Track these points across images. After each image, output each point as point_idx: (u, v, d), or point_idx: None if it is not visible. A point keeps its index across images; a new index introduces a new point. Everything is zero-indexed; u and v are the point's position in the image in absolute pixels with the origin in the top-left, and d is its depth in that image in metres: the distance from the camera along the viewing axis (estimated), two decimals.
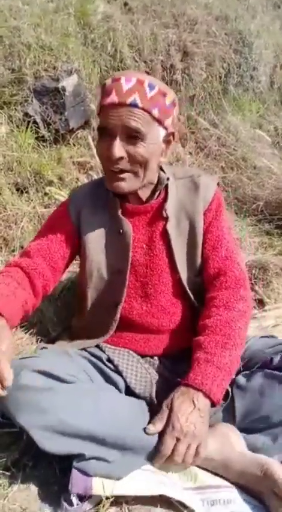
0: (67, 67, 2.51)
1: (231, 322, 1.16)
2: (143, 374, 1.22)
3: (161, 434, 1.06)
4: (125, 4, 3.22)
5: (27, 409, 1.00)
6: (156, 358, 1.27)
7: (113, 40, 2.87)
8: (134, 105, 1.10)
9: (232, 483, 1.08)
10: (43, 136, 2.48)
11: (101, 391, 1.14)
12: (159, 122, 1.14)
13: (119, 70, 2.90)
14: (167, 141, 1.19)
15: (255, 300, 1.92)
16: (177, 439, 1.04)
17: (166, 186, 1.26)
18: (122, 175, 1.16)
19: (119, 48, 2.88)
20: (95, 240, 1.27)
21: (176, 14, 3.26)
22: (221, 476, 1.10)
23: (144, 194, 1.25)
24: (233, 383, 1.18)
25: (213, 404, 1.08)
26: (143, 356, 1.27)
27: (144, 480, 1.04)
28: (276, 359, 1.17)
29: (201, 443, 1.05)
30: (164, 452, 1.04)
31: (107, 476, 1.03)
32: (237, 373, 1.19)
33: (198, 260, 1.26)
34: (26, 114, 2.43)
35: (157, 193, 1.26)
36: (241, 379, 1.19)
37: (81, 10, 2.86)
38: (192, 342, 1.20)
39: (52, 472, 1.11)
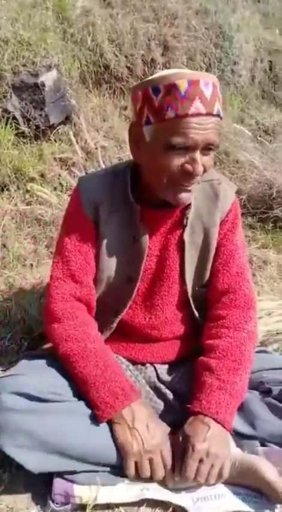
0: (46, 62, 2.48)
1: (241, 346, 1.12)
2: (131, 381, 1.17)
3: (179, 458, 1.03)
4: None
5: (10, 432, 0.98)
6: (147, 365, 1.24)
7: (92, 34, 2.85)
8: (219, 115, 0.98)
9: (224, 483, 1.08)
10: (23, 133, 2.45)
11: (80, 412, 1.07)
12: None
13: (99, 65, 2.89)
14: None
15: None
16: (200, 460, 1.00)
17: None
18: (190, 188, 1.04)
19: (99, 43, 2.87)
20: (110, 244, 1.16)
21: (156, 8, 3.24)
22: None
23: None
24: None
25: None
26: (134, 363, 1.24)
27: (126, 489, 1.04)
28: (276, 391, 1.16)
29: (224, 463, 1.02)
30: (189, 475, 1.00)
31: (89, 484, 1.02)
32: None
33: (207, 272, 1.21)
34: (5, 110, 2.39)
35: None
36: None
37: (60, 4, 2.83)
38: (185, 352, 1.19)
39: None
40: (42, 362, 1.16)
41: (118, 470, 1.04)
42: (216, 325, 1.17)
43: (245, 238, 2.39)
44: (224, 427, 1.04)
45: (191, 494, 1.05)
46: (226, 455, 1.02)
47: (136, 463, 1.03)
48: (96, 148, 2.60)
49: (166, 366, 1.24)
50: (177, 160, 0.99)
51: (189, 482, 1.02)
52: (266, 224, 2.52)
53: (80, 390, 1.09)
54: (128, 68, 3.00)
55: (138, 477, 1.04)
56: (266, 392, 1.17)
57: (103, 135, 2.75)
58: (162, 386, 1.19)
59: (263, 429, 1.12)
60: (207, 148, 0.99)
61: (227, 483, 1.07)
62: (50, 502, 1.01)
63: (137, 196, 1.13)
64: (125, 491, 1.04)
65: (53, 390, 1.05)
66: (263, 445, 1.12)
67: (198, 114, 0.94)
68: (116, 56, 2.94)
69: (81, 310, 1.17)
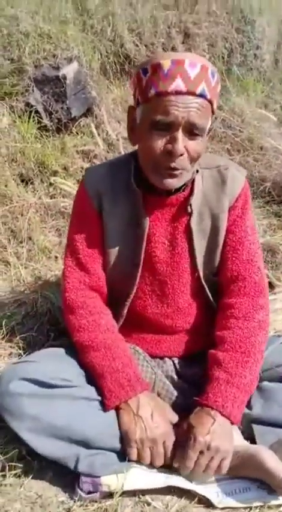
0: (67, 54, 2.49)
1: (251, 337, 1.11)
2: (148, 373, 1.20)
3: (181, 447, 1.04)
4: None
5: (18, 416, 1.02)
6: (166, 359, 1.24)
7: (112, 25, 2.83)
8: (203, 96, 0.98)
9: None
10: (45, 126, 2.47)
11: (88, 398, 1.09)
12: (213, 113, 1.05)
13: (119, 55, 2.87)
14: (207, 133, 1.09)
15: None
16: (201, 452, 1.01)
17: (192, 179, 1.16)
18: (175, 172, 1.04)
19: (118, 33, 2.85)
20: (115, 231, 1.18)
21: None
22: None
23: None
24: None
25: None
26: (151, 356, 1.24)
27: (153, 476, 1.05)
28: None
29: (225, 457, 1.02)
30: (187, 465, 1.02)
31: (114, 473, 1.03)
32: (260, 380, 1.17)
33: (217, 259, 1.20)
34: (28, 104, 2.41)
35: (184, 185, 1.14)
36: (265, 384, 1.17)
37: None
38: (206, 345, 1.18)
39: None
40: (56, 350, 1.21)
41: (121, 456, 1.06)
42: (225, 316, 1.17)
43: (270, 226, 2.35)
44: (231, 421, 1.04)
45: (216, 487, 1.05)
46: (228, 449, 1.02)
47: (138, 451, 1.04)
48: (117, 140, 2.60)
49: (183, 360, 1.24)
50: (160, 141, 1.00)
51: (198, 474, 1.03)
52: None
53: (91, 378, 1.12)
54: (149, 57, 2.97)
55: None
56: None
57: (124, 126, 2.72)
58: (180, 381, 1.19)
59: (280, 415, 1.12)
60: (192, 132, 0.99)
61: (229, 476, 1.06)
62: (78, 490, 1.03)
63: (140, 183, 1.14)
64: (150, 478, 1.05)
65: (63, 377, 1.08)
66: None
67: (178, 92, 0.96)
68: (137, 45, 2.91)
69: (93, 298, 1.21)
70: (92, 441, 1.05)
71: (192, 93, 0.96)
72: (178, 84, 0.95)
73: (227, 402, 1.04)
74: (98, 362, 1.11)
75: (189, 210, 1.15)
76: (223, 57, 3.24)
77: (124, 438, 1.05)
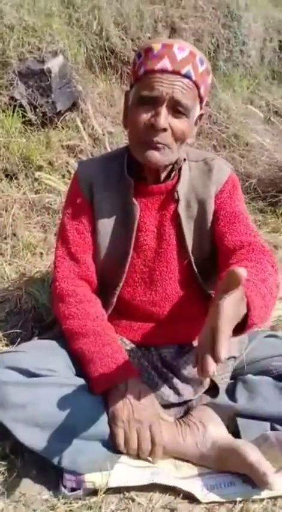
0: (52, 48, 2.46)
1: (266, 272, 0.98)
2: (134, 364, 1.18)
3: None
4: None
5: (3, 404, 1.02)
6: (152, 348, 1.24)
7: (98, 18, 2.81)
8: (188, 76, 1.02)
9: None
10: (30, 120, 2.44)
11: (74, 385, 1.10)
12: (201, 100, 1.09)
13: (105, 49, 2.85)
14: (196, 122, 1.13)
15: None
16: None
17: (180, 168, 1.19)
18: (158, 145, 1.06)
19: (104, 27, 2.83)
20: (106, 220, 1.21)
21: None
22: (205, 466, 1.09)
23: (164, 173, 1.17)
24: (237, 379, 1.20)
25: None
26: (138, 345, 1.25)
27: (138, 473, 1.05)
28: None
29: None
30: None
31: (99, 470, 1.03)
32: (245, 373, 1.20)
33: (207, 243, 1.20)
34: (12, 98, 2.38)
35: (172, 174, 1.18)
36: (249, 377, 1.19)
37: None
38: (195, 336, 1.18)
39: None
40: (44, 341, 1.23)
41: (107, 444, 1.06)
42: (236, 262, 1.04)
43: (255, 222, 2.36)
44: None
45: (200, 481, 1.05)
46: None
47: (125, 433, 1.05)
48: (103, 135, 2.58)
49: (172, 350, 1.23)
50: (145, 115, 1.05)
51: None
52: (277, 208, 2.49)
53: (79, 365, 1.13)
54: (135, 51, 2.95)
55: (128, 450, 1.06)
56: (279, 378, 1.17)
57: (110, 121, 2.73)
58: (165, 371, 1.19)
59: (265, 409, 1.12)
60: (176, 109, 1.03)
61: (213, 471, 1.07)
62: (62, 487, 1.02)
63: (132, 173, 1.18)
64: (135, 475, 1.04)
65: (49, 367, 1.08)
66: (273, 428, 1.12)
67: (164, 70, 1.01)
68: (122, 39, 2.90)
69: (82, 287, 1.22)
70: (79, 428, 1.04)
71: (178, 73, 1.01)
72: (164, 63, 1.01)
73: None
74: (87, 348, 1.12)
75: (176, 196, 1.17)
76: (209, 53, 3.24)
77: (111, 418, 1.06)
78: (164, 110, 1.02)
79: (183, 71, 1.01)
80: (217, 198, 1.18)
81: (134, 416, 1.04)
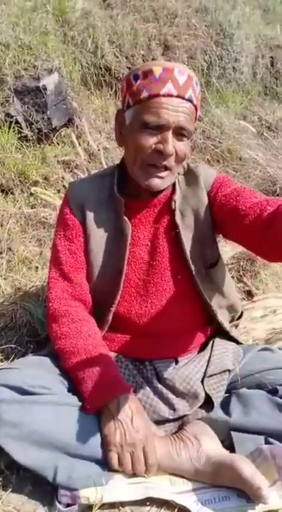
0: (47, 65, 2.49)
1: None
2: (129, 382, 1.19)
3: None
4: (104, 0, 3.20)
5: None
6: (146, 363, 1.24)
7: (93, 36, 2.85)
8: (191, 100, 1.06)
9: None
10: (26, 136, 2.46)
11: (68, 404, 1.10)
12: (195, 120, 1.14)
13: (100, 67, 2.90)
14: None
15: (244, 291, 1.93)
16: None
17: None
18: (162, 174, 1.11)
19: (99, 45, 2.87)
20: (98, 240, 1.21)
21: (155, 8, 3.25)
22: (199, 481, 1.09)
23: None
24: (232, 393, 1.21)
25: None
26: (133, 360, 1.25)
27: (132, 488, 1.05)
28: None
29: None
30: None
31: (93, 485, 1.03)
32: (239, 387, 1.20)
33: (210, 251, 1.23)
34: (8, 115, 2.40)
35: (166, 187, 1.19)
36: (244, 391, 1.19)
37: (60, 8, 2.84)
38: (191, 349, 1.22)
39: None
40: (38, 358, 1.22)
41: (102, 462, 1.06)
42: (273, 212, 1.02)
43: None
44: None
45: (195, 496, 1.05)
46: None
47: (119, 456, 1.04)
48: (98, 150, 2.61)
49: (168, 364, 1.24)
50: (150, 140, 1.06)
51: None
52: None
53: (73, 384, 1.13)
54: (129, 68, 3.00)
55: (122, 470, 1.05)
56: (273, 392, 1.17)
57: (105, 137, 2.76)
58: (160, 386, 1.19)
59: (259, 423, 1.13)
60: (180, 133, 1.07)
61: (208, 485, 1.07)
62: (57, 503, 1.02)
63: (122, 192, 1.20)
64: (130, 490, 1.04)
65: (43, 384, 1.08)
66: (267, 442, 1.12)
67: (169, 95, 1.03)
68: (117, 57, 2.94)
69: (75, 307, 1.22)
70: (74, 447, 1.04)
71: (182, 97, 1.04)
72: (169, 88, 1.03)
73: None
74: (78, 368, 1.12)
75: (173, 206, 1.19)
76: (203, 69, 3.29)
77: (104, 441, 1.05)
78: (170, 136, 1.05)
79: (187, 96, 1.05)
80: (210, 196, 1.20)
81: (126, 440, 1.04)
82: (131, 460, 1.04)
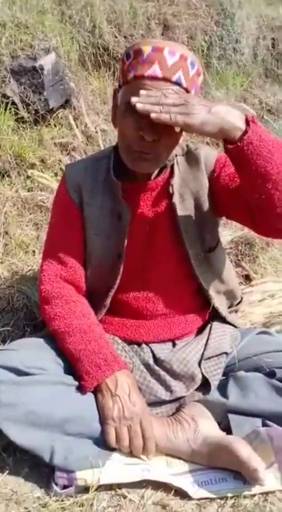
0: (44, 45, 2.44)
1: None
2: (125, 363, 1.18)
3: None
4: None
5: None
6: (143, 345, 1.23)
7: (91, 15, 2.80)
8: (179, 83, 0.99)
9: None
10: (23, 118, 2.42)
11: (64, 383, 1.11)
12: None
13: (98, 47, 2.84)
14: None
15: (242, 275, 1.93)
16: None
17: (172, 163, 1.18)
18: (147, 156, 1.05)
19: (97, 24, 2.82)
20: (96, 223, 1.20)
21: None
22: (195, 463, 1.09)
23: (155, 171, 1.16)
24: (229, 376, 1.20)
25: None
26: (130, 343, 1.24)
27: (129, 470, 1.05)
28: (280, 374, 1.15)
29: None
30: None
31: (90, 467, 1.03)
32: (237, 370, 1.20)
33: (208, 235, 1.21)
34: (4, 96, 2.36)
35: (164, 169, 1.17)
36: (241, 374, 1.19)
37: None
38: (190, 332, 1.20)
39: None
40: (35, 340, 1.22)
41: (99, 441, 1.06)
42: None
43: None
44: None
45: (192, 477, 1.05)
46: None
47: (116, 431, 1.05)
48: (96, 132, 2.57)
49: (164, 346, 1.23)
50: (133, 124, 1.01)
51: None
52: None
53: (69, 364, 1.13)
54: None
55: (120, 447, 1.06)
56: (270, 375, 1.17)
57: (103, 118, 2.72)
58: (157, 368, 1.19)
59: (257, 405, 1.13)
60: None
61: (205, 467, 1.07)
62: (54, 485, 1.02)
63: (119, 174, 1.16)
64: (127, 472, 1.05)
65: (39, 365, 1.08)
66: (264, 424, 1.13)
67: (154, 78, 0.98)
68: (115, 36, 2.89)
69: (68, 289, 1.22)
70: (71, 425, 1.04)
71: (168, 80, 0.98)
72: (155, 69, 0.98)
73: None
74: (74, 347, 1.12)
75: (171, 190, 1.16)
76: (203, 50, 3.24)
77: (102, 417, 1.06)
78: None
79: (174, 78, 0.98)
80: (213, 176, 1.17)
81: (124, 414, 1.04)
82: (128, 436, 1.05)
